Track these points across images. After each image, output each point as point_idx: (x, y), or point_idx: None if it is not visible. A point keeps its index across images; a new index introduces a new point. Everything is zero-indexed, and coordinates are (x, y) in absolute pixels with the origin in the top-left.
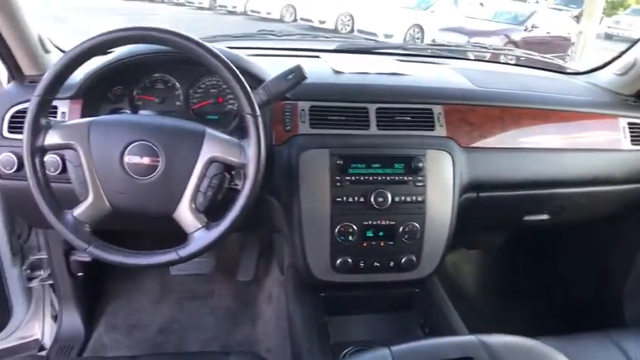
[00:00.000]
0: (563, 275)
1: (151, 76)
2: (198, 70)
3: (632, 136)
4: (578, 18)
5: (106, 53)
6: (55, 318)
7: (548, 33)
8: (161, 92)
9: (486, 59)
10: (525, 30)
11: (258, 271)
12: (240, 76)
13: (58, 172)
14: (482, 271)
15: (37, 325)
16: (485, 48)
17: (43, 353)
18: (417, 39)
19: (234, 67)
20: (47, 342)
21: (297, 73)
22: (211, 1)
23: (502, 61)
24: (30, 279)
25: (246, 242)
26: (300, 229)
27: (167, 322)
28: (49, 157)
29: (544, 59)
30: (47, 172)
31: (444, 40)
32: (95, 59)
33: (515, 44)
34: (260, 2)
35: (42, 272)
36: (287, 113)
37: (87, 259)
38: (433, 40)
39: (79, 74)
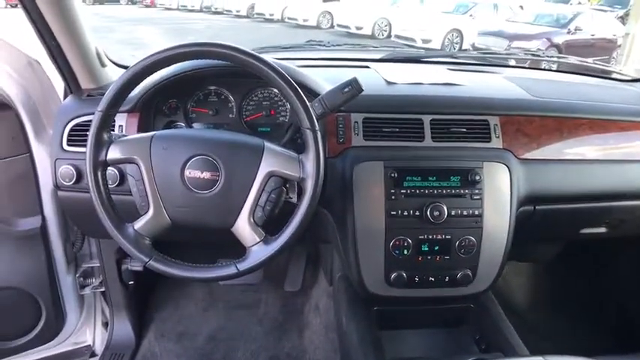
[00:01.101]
0: (617, 290)
1: (205, 89)
2: (250, 82)
3: None
4: (623, 19)
5: None
6: (105, 325)
7: (592, 35)
8: (214, 105)
9: (540, 67)
10: (568, 33)
11: (305, 282)
12: (300, 90)
13: (115, 184)
14: (533, 284)
15: (88, 332)
16: (537, 55)
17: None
18: (456, 43)
19: (293, 82)
20: (98, 348)
21: (354, 86)
22: (249, 9)
23: (555, 68)
24: (82, 286)
25: (293, 253)
26: (354, 242)
27: (215, 330)
28: (108, 170)
29: (598, 66)
30: None
31: (484, 44)
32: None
33: (558, 47)
34: (297, 9)
35: (94, 280)
36: (340, 125)
37: (139, 268)
38: (472, 44)
39: (136, 88)
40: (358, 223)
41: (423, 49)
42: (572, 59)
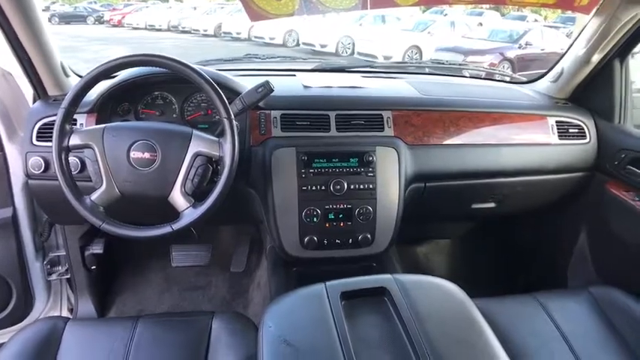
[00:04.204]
0: (521, 258)
1: (152, 93)
2: (190, 87)
3: (559, 133)
4: None
5: (112, 76)
6: (70, 311)
7: (542, 50)
8: (160, 107)
9: (449, 74)
10: (519, 47)
11: (249, 264)
12: (217, 87)
13: (77, 171)
14: (451, 259)
15: None
16: (442, 64)
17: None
18: (415, 59)
19: (212, 81)
20: None
21: (266, 87)
22: (216, 28)
23: (466, 75)
24: (50, 273)
25: (238, 239)
26: (274, 213)
27: (170, 308)
28: (71, 159)
29: (501, 72)
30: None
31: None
32: (106, 82)
33: (510, 61)
34: (263, 28)
35: (60, 268)
36: (262, 120)
37: (100, 251)
38: (430, 60)
39: (94, 93)
40: (277, 198)
41: (377, 62)
42: (472, 66)
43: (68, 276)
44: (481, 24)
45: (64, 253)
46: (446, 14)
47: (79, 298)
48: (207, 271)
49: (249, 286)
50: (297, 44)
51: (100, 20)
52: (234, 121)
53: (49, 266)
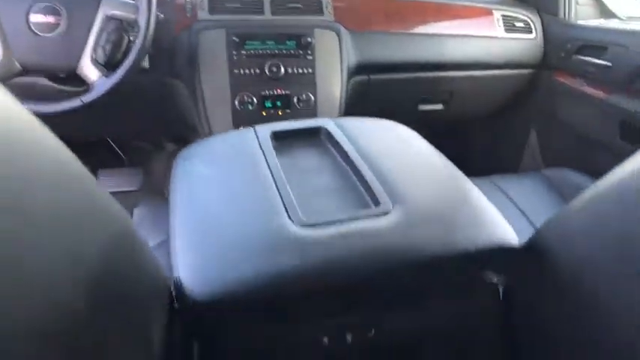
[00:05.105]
0: (471, 161)
1: None
2: None
3: (505, 26)
4: None
5: None
6: None
7: None
8: None
9: None
10: None
11: None
12: None
13: None
14: None
15: None
16: None
17: None
18: None
19: None
20: None
21: None
22: None
23: None
24: None
25: (173, 161)
26: (204, 103)
27: None
28: None
29: None
30: None
31: None
32: None
33: None
34: None
35: None
36: (187, 5)
37: None
38: None
39: None
40: (205, 85)
41: None
42: None
43: None
44: None
45: None
46: None
47: None
48: (139, 196)
49: None
50: None
51: None
52: None
53: None
